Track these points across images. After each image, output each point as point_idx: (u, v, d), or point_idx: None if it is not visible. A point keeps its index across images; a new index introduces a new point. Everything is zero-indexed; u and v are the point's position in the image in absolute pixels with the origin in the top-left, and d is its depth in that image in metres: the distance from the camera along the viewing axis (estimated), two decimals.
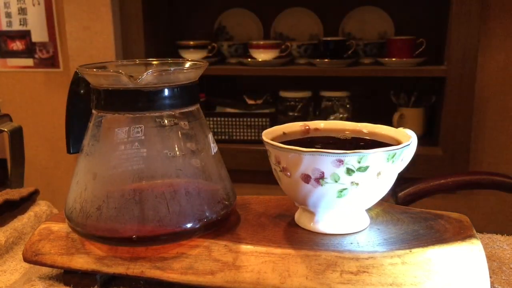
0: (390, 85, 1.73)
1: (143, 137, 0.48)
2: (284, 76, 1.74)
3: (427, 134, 1.70)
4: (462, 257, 0.45)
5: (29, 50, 1.89)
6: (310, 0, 1.80)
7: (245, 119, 1.68)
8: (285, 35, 1.85)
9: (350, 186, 0.46)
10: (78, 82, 0.54)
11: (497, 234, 0.63)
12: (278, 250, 0.47)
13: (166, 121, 0.49)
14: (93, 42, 1.66)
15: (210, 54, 1.78)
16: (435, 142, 1.63)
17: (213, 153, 0.52)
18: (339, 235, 0.49)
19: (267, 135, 0.50)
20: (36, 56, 1.89)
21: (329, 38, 1.68)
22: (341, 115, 1.70)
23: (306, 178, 0.46)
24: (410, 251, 0.45)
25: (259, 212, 0.55)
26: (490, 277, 0.51)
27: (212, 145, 0.53)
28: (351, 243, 0.47)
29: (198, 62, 0.53)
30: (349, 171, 0.45)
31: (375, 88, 1.79)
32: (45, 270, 0.55)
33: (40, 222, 0.68)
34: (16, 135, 0.82)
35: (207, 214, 0.49)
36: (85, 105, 0.52)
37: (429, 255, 0.45)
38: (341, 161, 0.44)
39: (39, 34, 1.87)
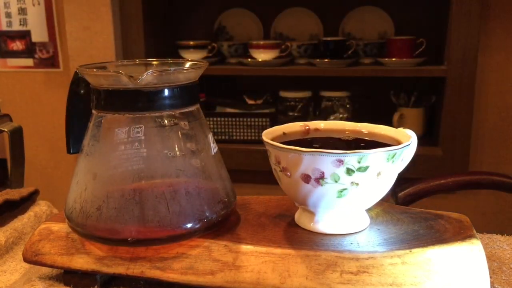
0: (390, 85, 1.73)
1: (143, 137, 0.48)
2: (284, 76, 1.74)
3: (427, 134, 1.70)
4: (462, 257, 0.45)
5: (29, 50, 1.89)
6: (310, 0, 1.80)
7: (245, 119, 1.68)
8: (285, 35, 1.85)
9: (350, 186, 0.46)
10: (78, 82, 0.54)
11: (497, 234, 0.63)
12: (278, 250, 0.47)
13: (166, 121, 0.49)
14: (93, 42, 1.66)
15: (210, 54, 1.78)
16: (435, 142, 1.63)
17: (213, 153, 0.52)
18: (339, 235, 0.49)
19: (267, 135, 0.50)
20: (36, 56, 1.89)
21: (329, 38, 1.68)
22: (341, 115, 1.70)
23: (306, 178, 0.46)
24: (410, 251, 0.45)
25: (259, 212, 0.55)
26: (490, 277, 0.51)
27: (212, 145, 0.53)
28: (351, 243, 0.47)
29: (198, 62, 0.53)
30: (349, 171, 0.45)
31: (375, 88, 1.79)
32: (45, 270, 0.55)
33: (40, 222, 0.68)
34: (16, 135, 0.82)
35: (207, 214, 0.49)
36: (85, 105, 0.52)
37: (429, 255, 0.45)
38: (341, 161, 0.44)
39: (39, 34, 1.87)
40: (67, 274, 0.52)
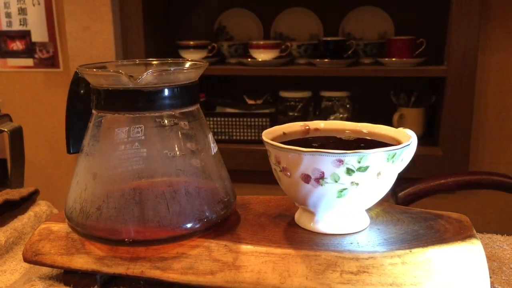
0: (390, 85, 1.73)
1: (143, 137, 0.48)
2: (284, 76, 1.74)
3: (427, 134, 1.70)
4: (462, 257, 0.45)
5: (29, 50, 1.89)
6: (310, 0, 1.80)
7: (245, 119, 1.68)
8: (285, 35, 1.85)
9: (350, 186, 0.46)
10: (78, 82, 0.54)
11: (497, 234, 0.63)
12: (278, 250, 0.47)
13: (166, 121, 0.49)
14: (93, 42, 1.66)
15: (210, 54, 1.78)
16: (435, 142, 1.63)
17: (213, 153, 0.52)
18: (339, 235, 0.49)
19: (267, 135, 0.50)
20: (36, 56, 1.89)
21: (329, 38, 1.68)
22: (341, 115, 1.70)
23: (306, 178, 0.46)
24: (410, 251, 0.45)
25: (259, 212, 0.55)
26: (490, 277, 0.51)
27: (212, 145, 0.53)
28: (351, 243, 0.47)
29: (198, 62, 0.53)
30: (349, 171, 0.45)
31: (375, 88, 1.79)
32: (45, 270, 0.55)
33: (40, 222, 0.68)
34: (16, 135, 0.82)
35: (207, 214, 0.49)
36: (85, 105, 0.52)
37: (429, 255, 0.45)
38: (341, 161, 0.44)
39: (39, 34, 1.87)
40: (67, 274, 0.52)
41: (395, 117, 1.65)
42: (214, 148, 0.53)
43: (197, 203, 0.49)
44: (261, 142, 0.49)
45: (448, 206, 1.05)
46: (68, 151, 0.56)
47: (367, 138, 0.53)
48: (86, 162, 0.51)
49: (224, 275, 0.47)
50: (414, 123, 1.65)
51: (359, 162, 0.44)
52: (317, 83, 1.76)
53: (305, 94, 1.74)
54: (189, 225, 0.47)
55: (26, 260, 0.53)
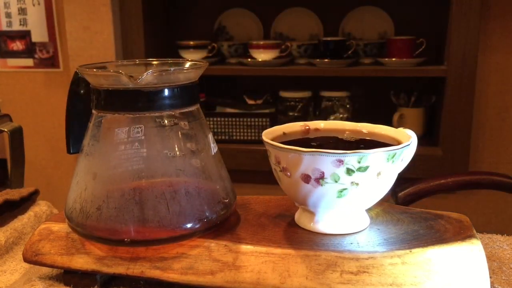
0: (390, 85, 1.73)
1: (143, 137, 0.48)
2: (284, 76, 1.74)
3: (427, 134, 1.70)
4: (462, 257, 0.45)
5: (29, 50, 1.89)
6: (310, 0, 1.80)
7: (245, 119, 1.68)
8: (285, 35, 1.85)
9: (350, 186, 0.46)
10: (78, 82, 0.54)
11: (497, 234, 0.63)
12: (278, 250, 0.47)
13: (166, 121, 0.49)
14: (93, 42, 1.66)
15: (210, 54, 1.78)
16: (435, 142, 1.63)
17: (213, 153, 0.52)
18: (339, 235, 0.49)
19: (267, 135, 0.50)
20: (36, 56, 1.89)
21: (329, 38, 1.68)
22: (341, 115, 1.70)
23: (306, 178, 0.46)
24: (410, 251, 0.45)
25: (259, 212, 0.55)
26: (490, 277, 0.51)
27: (212, 145, 0.53)
28: (351, 243, 0.47)
29: (198, 62, 0.53)
30: (349, 171, 0.45)
31: (375, 88, 1.79)
32: (45, 270, 0.55)
33: (40, 222, 0.68)
34: (16, 135, 0.82)
35: (207, 214, 0.49)
36: (85, 105, 0.52)
37: (429, 255, 0.45)
38: (341, 161, 0.44)
39: (39, 34, 1.87)
40: (67, 274, 0.52)
41: (395, 117, 1.65)
42: (214, 148, 0.53)
43: (197, 203, 0.49)
44: (261, 142, 0.49)
45: (448, 206, 1.05)
46: (68, 151, 0.56)
47: (367, 138, 0.53)
48: (86, 162, 0.51)
49: (224, 275, 0.47)
50: (414, 123, 1.65)
51: (359, 162, 0.44)
52: (317, 83, 1.76)
53: (305, 94, 1.74)
54: (189, 225, 0.47)
55: (26, 260, 0.53)
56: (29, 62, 1.90)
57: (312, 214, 0.50)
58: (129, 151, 0.48)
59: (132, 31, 1.65)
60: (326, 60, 1.64)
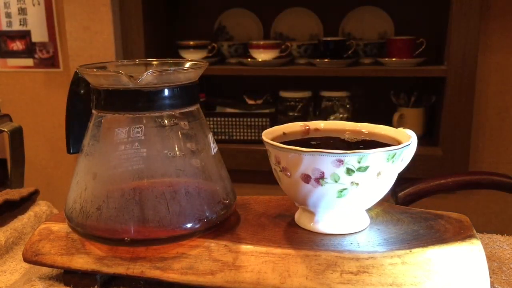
0: (390, 85, 1.73)
1: (143, 137, 0.48)
2: (284, 76, 1.74)
3: (427, 134, 1.70)
4: (462, 257, 0.45)
5: (29, 50, 1.89)
6: (310, 0, 1.80)
7: (245, 119, 1.68)
8: (285, 35, 1.85)
9: (350, 186, 0.46)
10: (78, 82, 0.54)
11: (497, 234, 0.63)
12: (278, 250, 0.47)
13: (166, 121, 0.49)
14: (93, 42, 1.66)
15: (210, 54, 1.78)
16: (435, 142, 1.63)
17: (213, 153, 0.52)
18: (339, 235, 0.49)
19: (267, 135, 0.50)
20: (36, 56, 1.89)
21: (329, 38, 1.68)
22: (341, 115, 1.70)
23: (306, 178, 0.46)
24: (410, 251, 0.45)
25: (259, 212, 0.55)
26: (490, 277, 0.51)
27: (212, 145, 0.53)
28: (351, 243, 0.47)
29: (198, 62, 0.53)
30: (349, 171, 0.45)
31: (375, 88, 1.79)
32: (45, 270, 0.55)
33: (40, 222, 0.68)
34: (16, 135, 0.82)
35: (207, 214, 0.49)
36: (85, 105, 0.52)
37: (429, 255, 0.45)
38: (341, 161, 0.44)
39: (39, 34, 1.87)
40: (67, 274, 0.52)
41: (395, 117, 1.65)
42: (214, 148, 0.53)
43: (197, 203, 0.49)
44: (261, 142, 0.49)
45: (448, 206, 1.05)
46: (68, 151, 0.56)
47: (367, 138, 0.53)
48: (86, 162, 0.51)
49: (224, 275, 0.47)
50: (414, 123, 1.65)
51: (359, 162, 0.44)
52: (317, 83, 1.76)
53: (305, 94, 1.74)
54: (189, 225, 0.47)
55: (26, 260, 0.53)
56: (29, 62, 1.90)
57: (312, 214, 0.50)
58: (129, 151, 0.48)
59: (132, 31, 1.65)
60: (326, 60, 1.64)
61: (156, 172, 0.49)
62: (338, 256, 0.45)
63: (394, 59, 1.61)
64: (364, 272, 0.44)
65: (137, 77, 0.46)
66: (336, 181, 0.45)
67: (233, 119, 1.68)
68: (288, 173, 0.47)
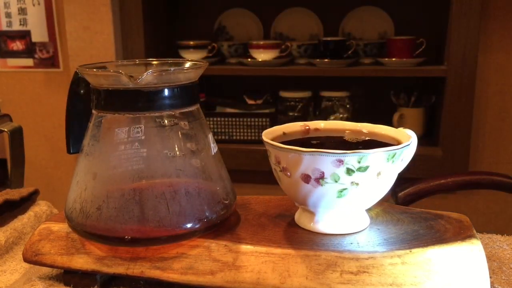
0: (390, 85, 1.73)
1: (143, 137, 0.48)
2: (284, 76, 1.74)
3: (427, 134, 1.70)
4: (462, 257, 0.45)
5: (29, 50, 1.89)
6: (310, 0, 1.80)
7: (245, 119, 1.68)
8: (285, 35, 1.85)
9: (350, 186, 0.46)
10: (78, 82, 0.54)
11: (497, 234, 0.63)
12: (278, 250, 0.47)
13: (166, 121, 0.49)
14: (93, 42, 1.66)
15: (210, 54, 1.78)
16: (435, 142, 1.63)
17: (213, 153, 0.52)
18: (339, 235, 0.49)
19: (267, 135, 0.50)
20: (36, 56, 1.89)
21: (329, 38, 1.68)
22: (341, 115, 1.70)
23: (306, 178, 0.46)
24: (410, 251, 0.45)
25: (259, 212, 0.55)
26: (490, 277, 0.51)
27: (212, 145, 0.53)
28: (351, 243, 0.47)
29: (198, 62, 0.53)
30: (349, 171, 0.45)
31: (375, 88, 1.79)
32: (45, 270, 0.55)
33: (40, 222, 0.68)
34: (16, 135, 0.82)
35: (207, 214, 0.49)
36: (85, 105, 0.52)
37: (429, 255, 0.45)
38: (341, 161, 0.44)
39: (39, 34, 1.87)
40: (67, 274, 0.52)
41: (395, 117, 1.65)
42: (214, 148, 0.53)
43: (197, 203, 0.49)
44: (261, 142, 0.49)
45: (448, 206, 1.05)
46: (68, 151, 0.56)
47: (367, 138, 0.53)
48: (86, 162, 0.51)
49: (224, 275, 0.47)
50: (414, 123, 1.65)
51: (359, 162, 0.44)
52: (317, 83, 1.76)
53: (305, 94, 1.74)
54: (189, 225, 0.47)
55: (26, 260, 0.53)
56: (29, 62, 1.90)
57: (312, 214, 0.50)
58: (129, 151, 0.48)
59: (132, 31, 1.65)
60: (326, 60, 1.64)
61: (156, 172, 0.49)
62: (338, 256, 0.45)
63: (394, 59, 1.61)
64: (364, 272, 0.44)
65: (137, 77, 0.46)
66: (336, 181, 0.45)
67: (233, 119, 1.68)
68: (288, 173, 0.47)
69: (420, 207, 0.57)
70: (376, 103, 1.78)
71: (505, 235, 0.63)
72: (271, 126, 0.57)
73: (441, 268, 0.44)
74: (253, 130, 1.68)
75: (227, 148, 1.62)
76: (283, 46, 1.71)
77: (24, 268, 0.58)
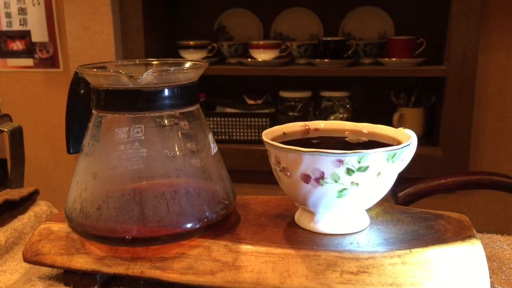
0: (390, 85, 1.73)
1: (143, 137, 0.48)
2: (284, 76, 1.74)
3: (427, 134, 1.70)
4: (462, 257, 0.45)
5: (29, 50, 1.89)
6: (310, 0, 1.80)
7: (245, 119, 1.68)
8: (285, 35, 1.85)
9: (350, 186, 0.46)
10: (78, 82, 0.54)
11: (497, 234, 0.63)
12: (278, 250, 0.47)
13: (166, 121, 0.49)
14: (93, 42, 1.66)
15: (210, 54, 1.78)
16: (435, 142, 1.63)
17: (213, 153, 0.52)
18: (339, 235, 0.49)
19: (267, 135, 0.50)
20: (36, 56, 1.89)
21: (329, 38, 1.68)
22: (341, 115, 1.70)
23: (306, 178, 0.46)
24: (410, 251, 0.45)
25: (259, 212, 0.55)
26: (490, 277, 0.51)
27: (212, 145, 0.53)
28: (351, 243, 0.47)
29: (198, 62, 0.53)
30: (349, 171, 0.45)
31: (375, 88, 1.79)
32: (45, 270, 0.55)
33: (40, 222, 0.68)
34: (16, 135, 0.82)
35: (207, 214, 0.49)
36: (85, 105, 0.52)
37: (429, 255, 0.45)
38: (341, 161, 0.44)
39: (39, 34, 1.87)
40: (67, 274, 0.52)
41: (395, 117, 1.65)
42: (214, 148, 0.53)
43: (197, 203, 0.49)
44: (261, 142, 0.49)
45: (448, 206, 1.05)
46: (68, 151, 0.56)
47: (367, 138, 0.53)
48: (86, 162, 0.51)
49: (224, 275, 0.47)
50: (414, 123, 1.65)
51: (359, 162, 0.44)
52: (317, 83, 1.76)
53: (305, 94, 1.74)
54: (189, 225, 0.47)
55: (26, 260, 0.53)
56: (29, 62, 1.90)
57: (312, 214, 0.50)
58: (129, 151, 0.48)
59: (132, 31, 1.65)
60: (326, 60, 1.64)
61: (156, 172, 0.49)
62: (338, 256, 0.45)
63: (394, 59, 1.61)
64: (364, 272, 0.44)
65: (137, 77, 0.46)
66: (336, 181, 0.45)
67: (233, 119, 1.68)
68: (288, 173, 0.47)
69: (420, 207, 0.57)
70: (376, 103, 1.78)
71: (505, 235, 0.63)
72: (271, 126, 0.57)
73: (441, 268, 0.44)
74: (253, 130, 1.68)
75: (227, 148, 1.62)
76: (283, 46, 1.71)
77: (24, 268, 0.58)
